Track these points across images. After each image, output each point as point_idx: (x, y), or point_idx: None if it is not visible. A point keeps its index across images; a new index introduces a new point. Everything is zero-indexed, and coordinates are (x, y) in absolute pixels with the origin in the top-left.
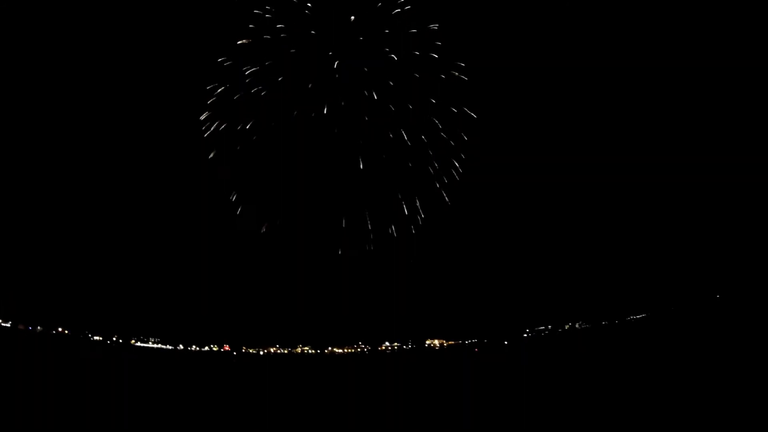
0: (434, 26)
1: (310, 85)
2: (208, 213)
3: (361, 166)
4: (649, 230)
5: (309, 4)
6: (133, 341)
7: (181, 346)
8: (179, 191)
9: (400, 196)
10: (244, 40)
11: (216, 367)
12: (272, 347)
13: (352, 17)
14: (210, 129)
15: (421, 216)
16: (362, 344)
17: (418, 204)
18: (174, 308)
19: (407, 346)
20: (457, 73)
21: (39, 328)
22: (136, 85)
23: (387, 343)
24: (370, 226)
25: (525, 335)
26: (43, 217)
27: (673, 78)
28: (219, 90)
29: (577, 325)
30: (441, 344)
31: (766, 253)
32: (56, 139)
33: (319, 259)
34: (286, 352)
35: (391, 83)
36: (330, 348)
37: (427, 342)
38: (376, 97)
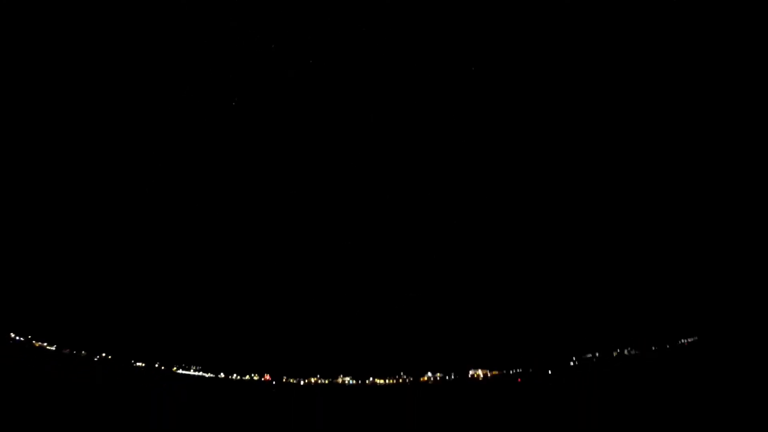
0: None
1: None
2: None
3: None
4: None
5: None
6: (175, 368)
7: (222, 375)
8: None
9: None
10: None
11: (257, 397)
12: (313, 377)
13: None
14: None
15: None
16: (404, 375)
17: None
18: (213, 335)
19: (449, 377)
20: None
21: (83, 352)
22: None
23: (429, 374)
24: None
25: (571, 363)
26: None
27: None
28: None
29: (626, 351)
30: (485, 374)
31: None
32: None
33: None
34: (327, 382)
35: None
36: (371, 378)
37: (471, 372)
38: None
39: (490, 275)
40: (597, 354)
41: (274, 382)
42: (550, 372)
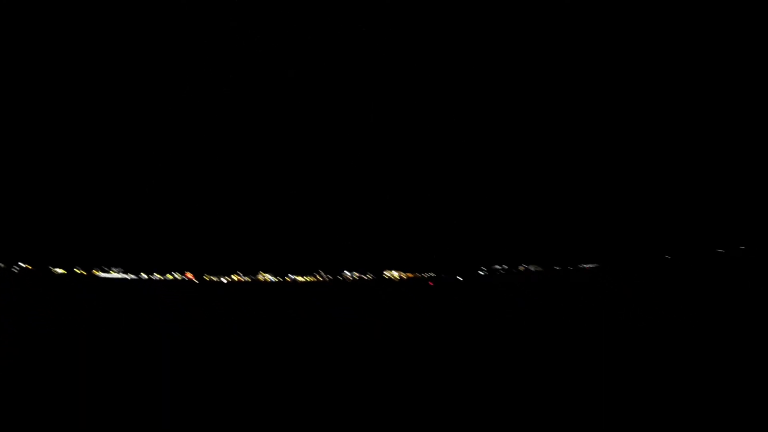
0: None
1: None
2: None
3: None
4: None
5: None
6: (95, 272)
7: (144, 276)
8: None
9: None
10: None
11: (180, 295)
12: (234, 275)
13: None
14: None
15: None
16: (322, 273)
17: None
18: (132, 237)
19: (366, 276)
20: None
21: (1, 265)
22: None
23: (347, 272)
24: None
25: (480, 272)
26: None
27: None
28: None
29: (531, 268)
30: (400, 276)
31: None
32: None
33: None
34: (249, 279)
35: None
36: (290, 276)
37: (386, 273)
38: None
39: (418, 189)
40: (505, 266)
41: (197, 281)
42: (460, 278)
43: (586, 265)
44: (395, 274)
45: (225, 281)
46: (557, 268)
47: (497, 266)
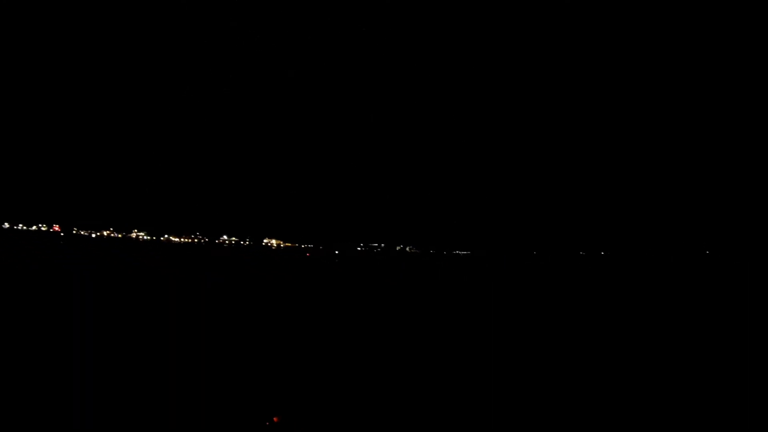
0: None
1: None
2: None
3: None
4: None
5: None
6: None
7: (7, 225)
8: None
9: None
10: None
11: (46, 247)
12: (106, 230)
13: None
14: None
15: None
16: (200, 235)
17: None
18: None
19: (244, 242)
20: None
21: None
22: None
23: (225, 237)
24: None
25: (359, 248)
26: None
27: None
28: None
29: (407, 249)
30: (278, 244)
31: None
32: None
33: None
34: (120, 236)
35: None
36: (166, 236)
37: (265, 241)
38: None
39: (304, 161)
40: (382, 245)
41: (63, 234)
42: (336, 251)
43: (460, 252)
44: (274, 242)
45: (94, 236)
46: (432, 251)
47: (375, 244)
